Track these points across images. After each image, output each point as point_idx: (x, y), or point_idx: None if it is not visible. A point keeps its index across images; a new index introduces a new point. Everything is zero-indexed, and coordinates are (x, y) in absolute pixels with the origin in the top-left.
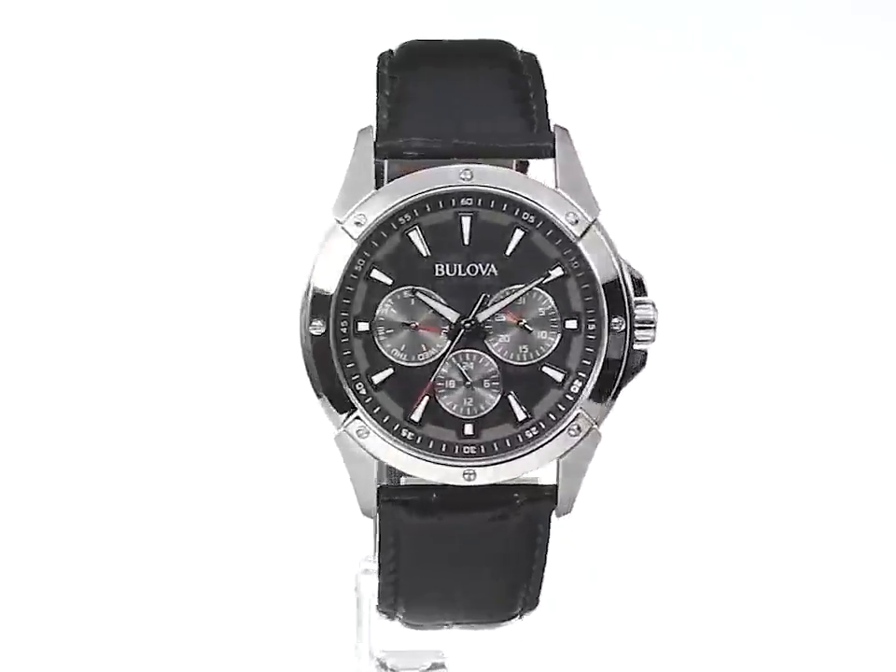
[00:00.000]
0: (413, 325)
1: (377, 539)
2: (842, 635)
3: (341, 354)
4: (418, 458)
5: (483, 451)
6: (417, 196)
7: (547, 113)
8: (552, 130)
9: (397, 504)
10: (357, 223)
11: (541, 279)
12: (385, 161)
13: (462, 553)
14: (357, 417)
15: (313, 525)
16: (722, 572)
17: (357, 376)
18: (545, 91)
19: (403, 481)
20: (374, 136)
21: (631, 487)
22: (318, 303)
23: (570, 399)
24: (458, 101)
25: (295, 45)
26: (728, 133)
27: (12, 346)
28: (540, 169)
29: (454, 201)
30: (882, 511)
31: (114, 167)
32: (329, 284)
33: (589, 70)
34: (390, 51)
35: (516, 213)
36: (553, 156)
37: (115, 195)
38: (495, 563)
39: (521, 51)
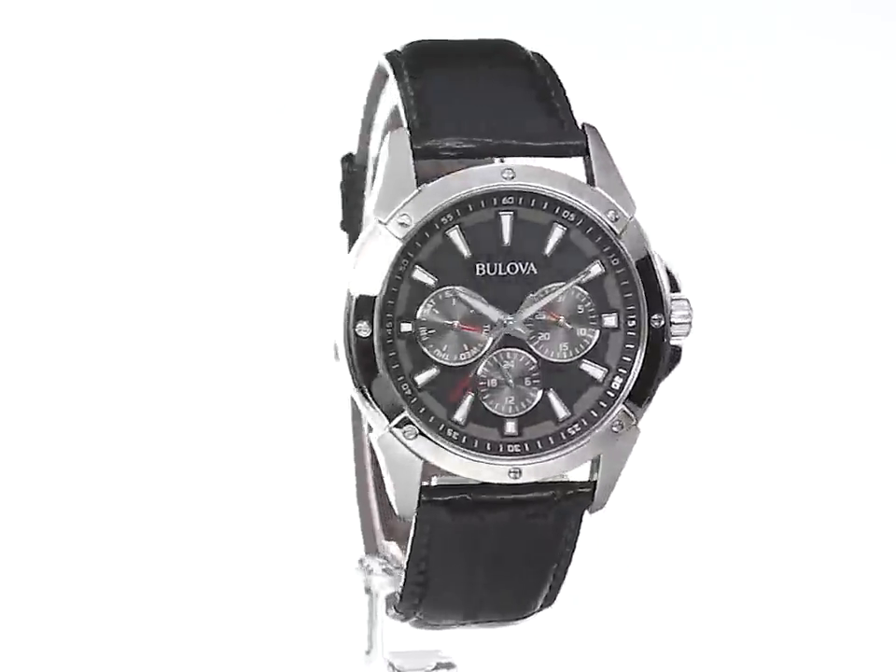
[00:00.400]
0: (455, 325)
1: (411, 541)
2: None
3: (386, 355)
4: (465, 458)
5: (527, 449)
6: (461, 196)
7: (572, 111)
8: (580, 128)
9: (437, 504)
10: (402, 224)
11: (581, 276)
12: (423, 162)
13: (494, 551)
14: (405, 419)
15: (312, 525)
16: (741, 570)
17: (401, 377)
18: (564, 89)
19: (435, 481)
20: (409, 137)
21: (644, 482)
22: (363, 305)
23: (611, 395)
24: (483, 100)
25: (283, 44)
26: (729, 133)
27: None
28: (569, 168)
29: (495, 200)
30: None
31: (127, 170)
32: (374, 285)
33: (583, 70)
34: (397, 51)
35: (556, 211)
36: (583, 154)
37: (133, 197)
38: (524, 561)
39: (530, 51)
